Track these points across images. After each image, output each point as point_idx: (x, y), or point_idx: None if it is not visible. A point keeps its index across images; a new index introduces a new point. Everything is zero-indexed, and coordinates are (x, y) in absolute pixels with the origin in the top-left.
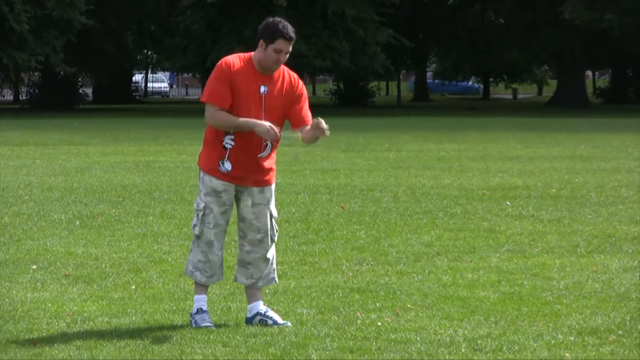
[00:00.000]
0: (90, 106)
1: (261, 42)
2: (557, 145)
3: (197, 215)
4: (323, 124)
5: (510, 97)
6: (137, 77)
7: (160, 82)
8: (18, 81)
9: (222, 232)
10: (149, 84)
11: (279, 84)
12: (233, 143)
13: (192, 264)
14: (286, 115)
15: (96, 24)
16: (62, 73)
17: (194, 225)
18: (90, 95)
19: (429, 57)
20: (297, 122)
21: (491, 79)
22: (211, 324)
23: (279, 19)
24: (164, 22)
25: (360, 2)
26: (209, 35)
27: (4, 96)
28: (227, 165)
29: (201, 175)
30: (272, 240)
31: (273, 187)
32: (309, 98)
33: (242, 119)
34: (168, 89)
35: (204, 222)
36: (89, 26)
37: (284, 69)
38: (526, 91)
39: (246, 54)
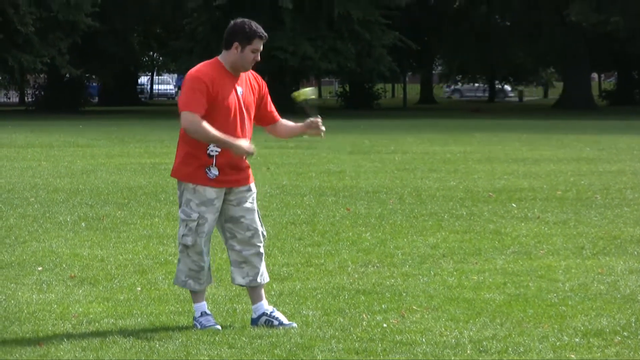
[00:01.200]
0: (95, 108)
1: (236, 44)
2: (562, 147)
3: (187, 225)
4: (319, 124)
5: (516, 99)
6: (143, 79)
7: (166, 84)
8: (23, 83)
9: (209, 239)
10: (155, 86)
11: (245, 82)
12: (218, 149)
13: (184, 273)
14: (256, 114)
15: (102, 26)
16: (67, 75)
17: (184, 236)
18: (96, 97)
19: (435, 60)
20: (267, 120)
21: (497, 83)
22: (216, 324)
23: (247, 20)
24: (169, 24)
25: (366, 5)
26: (215, 38)
27: (9, 98)
28: (215, 171)
29: (191, 186)
30: (263, 236)
31: (254, 183)
32: (315, 101)
33: (221, 135)
34: (174, 91)
35: (198, 232)
36: (94, 28)
37: None
38: (532, 94)
39: (211, 61)
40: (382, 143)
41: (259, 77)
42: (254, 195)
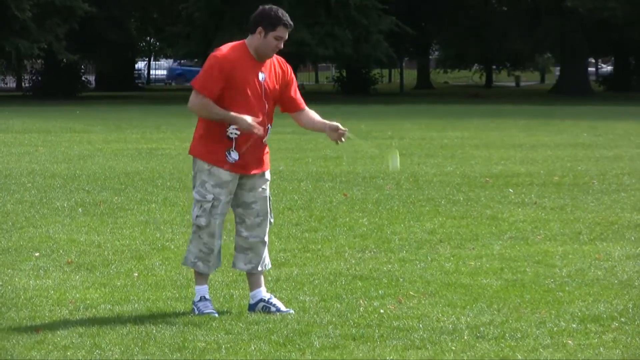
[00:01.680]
0: (92, 93)
1: (260, 29)
2: (559, 133)
3: (202, 206)
4: (344, 133)
5: (513, 84)
6: (140, 65)
7: (163, 69)
8: (21, 69)
9: (223, 221)
10: (152, 72)
11: (270, 69)
12: (238, 132)
13: (194, 254)
14: (279, 100)
15: (99, 12)
16: (64, 60)
17: (198, 217)
18: (93, 82)
19: (432, 45)
20: (291, 107)
21: (494, 67)
22: (214, 311)
23: (275, 7)
24: (166, 9)
25: None
26: (212, 23)
27: (6, 83)
28: (234, 155)
29: (206, 167)
30: (270, 223)
31: (269, 171)
32: (312, 86)
33: (224, 111)
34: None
35: (212, 214)
36: (91, 14)
37: None
38: (529, 79)
39: (237, 43)
40: (379, 128)
41: (285, 63)
42: (268, 182)
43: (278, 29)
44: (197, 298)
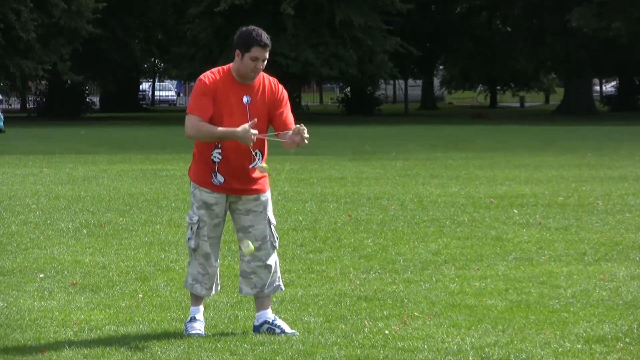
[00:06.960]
0: (97, 114)
1: (237, 52)
2: (564, 153)
3: (191, 228)
4: (304, 131)
5: (518, 105)
6: (145, 86)
7: (167, 90)
8: (25, 90)
9: (216, 243)
10: (156, 93)
11: (260, 91)
12: (221, 157)
13: (192, 276)
14: (269, 121)
15: (103, 33)
16: (69, 81)
17: (189, 239)
18: (98, 103)
19: (436, 65)
20: (280, 127)
21: (498, 87)
22: (200, 332)
23: (252, 27)
24: (171, 30)
25: (367, 11)
26: (217, 44)
27: (11, 105)
28: (220, 178)
29: (192, 188)
30: (273, 247)
31: (268, 193)
32: (317, 107)
33: (221, 129)
34: (175, 98)
35: (199, 235)
36: (96, 35)
37: (262, 75)
38: (533, 99)
39: (224, 67)
40: (383, 149)
41: (277, 84)
42: (266, 205)
43: (253, 50)
44: (188, 319)
